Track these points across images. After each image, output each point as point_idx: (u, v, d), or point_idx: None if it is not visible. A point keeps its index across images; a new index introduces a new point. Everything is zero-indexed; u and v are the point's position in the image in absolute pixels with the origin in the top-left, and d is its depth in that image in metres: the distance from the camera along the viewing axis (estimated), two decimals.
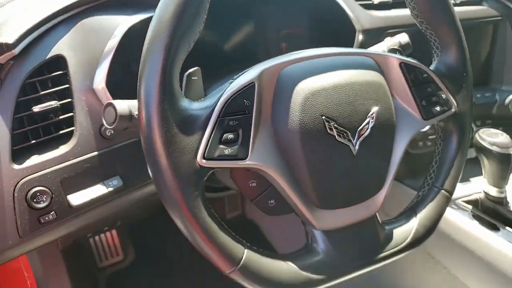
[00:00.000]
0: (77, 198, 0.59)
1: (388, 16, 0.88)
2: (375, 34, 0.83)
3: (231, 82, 0.46)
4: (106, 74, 0.61)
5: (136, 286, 1.30)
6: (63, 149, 0.58)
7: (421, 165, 0.90)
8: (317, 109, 0.48)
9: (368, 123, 0.51)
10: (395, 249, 0.55)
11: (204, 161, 0.44)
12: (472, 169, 0.91)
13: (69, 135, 0.60)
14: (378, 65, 0.55)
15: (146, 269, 1.32)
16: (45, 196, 0.56)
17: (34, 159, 0.57)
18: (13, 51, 0.56)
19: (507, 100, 0.97)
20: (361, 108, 0.50)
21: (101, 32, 0.63)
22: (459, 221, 0.83)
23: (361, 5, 0.86)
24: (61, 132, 0.59)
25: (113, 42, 0.62)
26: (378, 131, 0.51)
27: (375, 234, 0.54)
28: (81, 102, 0.60)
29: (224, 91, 0.45)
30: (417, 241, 0.57)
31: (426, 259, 0.90)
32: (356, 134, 0.50)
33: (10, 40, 0.55)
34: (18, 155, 0.56)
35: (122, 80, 0.63)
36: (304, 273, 0.49)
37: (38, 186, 0.56)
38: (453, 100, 0.59)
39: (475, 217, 0.83)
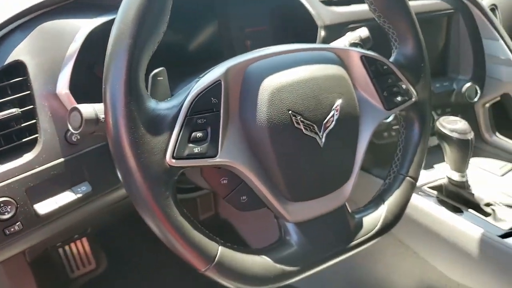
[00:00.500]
0: (44, 207, 0.57)
1: (348, 12, 0.90)
2: (337, 30, 0.85)
3: (197, 81, 0.47)
4: (69, 79, 0.59)
5: None
6: (27, 157, 0.57)
7: (386, 155, 0.92)
8: (283, 104, 0.49)
9: (333, 115, 0.52)
10: (366, 236, 0.57)
11: (173, 160, 0.44)
12: (435, 156, 0.95)
13: (33, 142, 0.58)
14: (340, 59, 0.56)
15: (120, 277, 1.30)
16: (9, 206, 0.54)
17: None
18: None
19: (463, 88, 1.02)
20: (325, 102, 0.51)
21: (61, 36, 0.62)
22: (425, 206, 0.86)
23: (321, 1, 0.88)
24: (24, 140, 0.57)
25: (75, 46, 0.61)
26: (342, 123, 0.53)
27: (346, 223, 0.56)
28: (44, 108, 0.58)
29: (191, 89, 0.46)
30: (387, 227, 0.59)
31: (397, 245, 0.93)
32: (322, 127, 0.51)
33: None
34: None
35: (86, 84, 0.61)
36: (278, 265, 0.50)
37: (1, 196, 0.54)
38: (413, 90, 0.61)
39: (440, 201, 0.86)
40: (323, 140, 0.51)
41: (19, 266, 1.03)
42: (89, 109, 0.50)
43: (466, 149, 0.81)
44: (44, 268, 1.15)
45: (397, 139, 0.65)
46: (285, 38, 0.90)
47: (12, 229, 0.55)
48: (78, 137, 0.60)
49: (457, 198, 0.85)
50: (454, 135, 0.81)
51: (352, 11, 0.91)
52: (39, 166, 0.57)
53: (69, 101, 0.59)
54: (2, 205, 0.54)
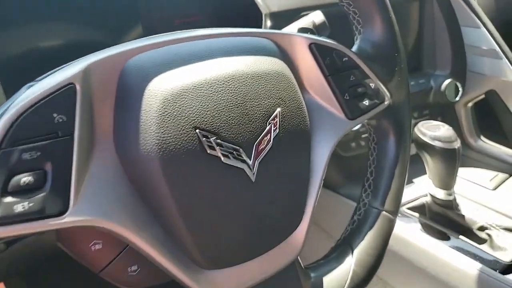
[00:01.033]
0: None
1: None
2: (287, 18, 0.69)
3: (28, 88, 0.28)
4: None
5: None
6: None
7: (356, 169, 0.77)
8: (186, 118, 0.31)
9: (269, 132, 0.34)
10: None
11: None
12: (416, 167, 0.78)
13: None
14: (280, 49, 0.39)
15: None
16: None
17: None
18: None
19: (443, 86, 0.87)
20: (256, 112, 0.34)
21: None
22: (405, 233, 0.70)
23: None
24: None
25: None
26: (285, 142, 0.35)
27: None
28: None
29: (11, 104, 0.27)
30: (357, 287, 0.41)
31: (373, 282, 0.77)
32: (254, 151, 0.33)
33: None
34: None
35: None
36: None
37: None
38: (385, 90, 0.44)
39: (424, 226, 0.71)
40: (255, 170, 0.33)
41: None
42: None
43: (453, 161, 0.66)
44: None
45: (368, 151, 0.48)
46: None
47: None
48: None
49: (444, 221, 0.71)
50: (437, 144, 0.66)
51: None
52: None
53: None
54: None
